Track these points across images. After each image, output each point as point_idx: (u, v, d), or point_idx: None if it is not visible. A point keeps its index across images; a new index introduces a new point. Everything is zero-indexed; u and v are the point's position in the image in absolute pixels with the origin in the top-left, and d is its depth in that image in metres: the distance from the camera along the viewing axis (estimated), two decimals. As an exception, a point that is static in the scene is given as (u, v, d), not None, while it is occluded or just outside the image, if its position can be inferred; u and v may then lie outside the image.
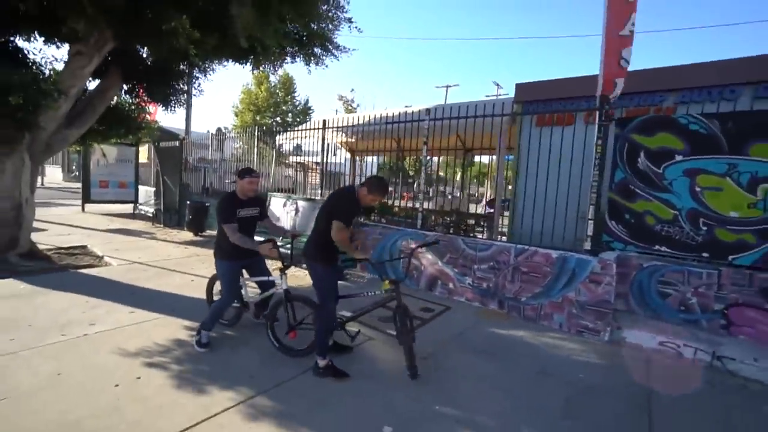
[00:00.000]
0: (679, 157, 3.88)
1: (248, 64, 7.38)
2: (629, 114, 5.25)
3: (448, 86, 27.24)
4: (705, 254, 3.75)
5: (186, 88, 7.32)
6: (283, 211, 6.99)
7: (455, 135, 7.63)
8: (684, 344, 3.40)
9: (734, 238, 3.62)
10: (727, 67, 4.67)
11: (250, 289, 3.47)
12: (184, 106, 7.84)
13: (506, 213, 6.66)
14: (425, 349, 3.18)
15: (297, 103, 27.35)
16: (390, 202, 7.26)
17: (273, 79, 26.35)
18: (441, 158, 12.43)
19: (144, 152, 11.49)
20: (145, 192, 10.88)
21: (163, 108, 6.76)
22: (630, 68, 4.25)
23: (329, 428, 2.21)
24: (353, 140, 8.88)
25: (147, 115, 7.26)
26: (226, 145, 9.97)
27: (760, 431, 2.46)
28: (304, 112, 27.07)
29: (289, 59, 8.55)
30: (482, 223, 6.25)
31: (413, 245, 5.13)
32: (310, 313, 3.03)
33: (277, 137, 9.34)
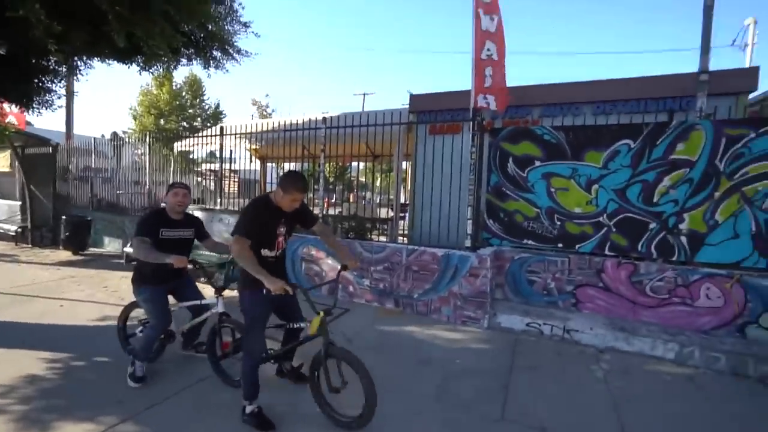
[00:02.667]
0: (537, 163, 4.52)
1: (134, 64, 6.79)
2: (505, 125, 5.93)
3: (365, 94, 27.88)
4: (560, 245, 4.41)
5: (54, 87, 6.44)
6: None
7: (365, 142, 7.91)
8: (544, 323, 3.95)
9: (579, 230, 4.32)
10: (574, 88, 5.59)
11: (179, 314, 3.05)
12: (55, 107, 6.89)
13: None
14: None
15: (206, 107, 25.65)
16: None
17: (178, 80, 24.40)
18: (363, 165, 12.68)
19: (4, 159, 9.74)
20: (8, 207, 9.25)
21: (21, 109, 5.87)
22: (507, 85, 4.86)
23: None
24: (259, 147, 8.63)
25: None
26: (125, 151, 8.96)
27: (584, 383, 2.98)
28: (215, 117, 25.48)
29: (185, 61, 8.04)
30: (384, 227, 6.54)
31: (313, 252, 5.18)
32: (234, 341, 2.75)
33: (178, 143, 8.70)
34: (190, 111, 24.88)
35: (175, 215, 2.77)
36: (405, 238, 6.71)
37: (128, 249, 6.21)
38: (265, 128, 7.27)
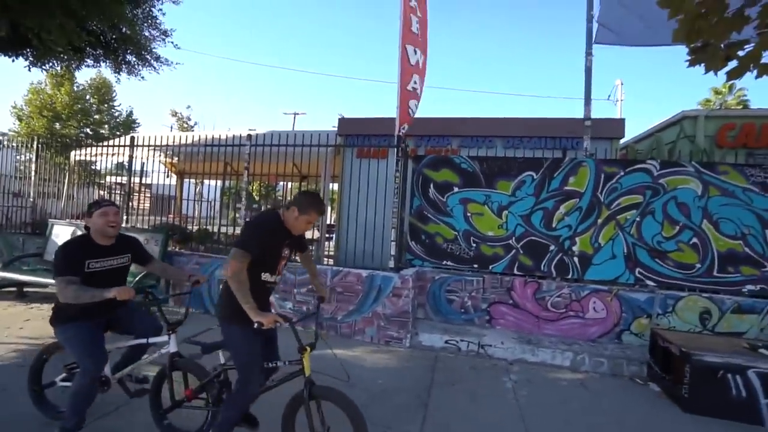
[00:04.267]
0: (456, 189, 4.88)
1: (22, 58, 5.95)
2: (428, 152, 6.34)
3: (295, 113, 27.63)
4: (475, 265, 4.75)
5: None
6: (71, 242, 5.68)
7: (292, 162, 7.80)
8: (461, 339, 4.17)
9: (492, 252, 4.72)
10: (488, 123, 6.23)
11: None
12: None
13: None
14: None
15: (116, 114, 23.18)
16: (212, 228, 6.77)
17: (82, 81, 21.78)
18: (291, 184, 12.38)
19: None
20: None
21: None
22: (429, 115, 5.22)
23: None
24: (176, 161, 8.02)
25: None
26: (2, 156, 7.59)
27: (496, 394, 3.19)
28: (127, 126, 23.11)
29: (90, 62, 7.27)
30: (310, 248, 6.43)
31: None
32: (200, 386, 2.27)
33: (77, 152, 7.67)
34: (96, 117, 22.25)
35: (105, 240, 2.24)
36: (331, 260, 6.66)
37: (4, 274, 5.22)
38: (183, 141, 6.79)
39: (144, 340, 2.31)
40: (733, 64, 2.39)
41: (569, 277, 4.47)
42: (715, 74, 2.46)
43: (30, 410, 2.49)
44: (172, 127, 25.43)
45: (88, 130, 21.85)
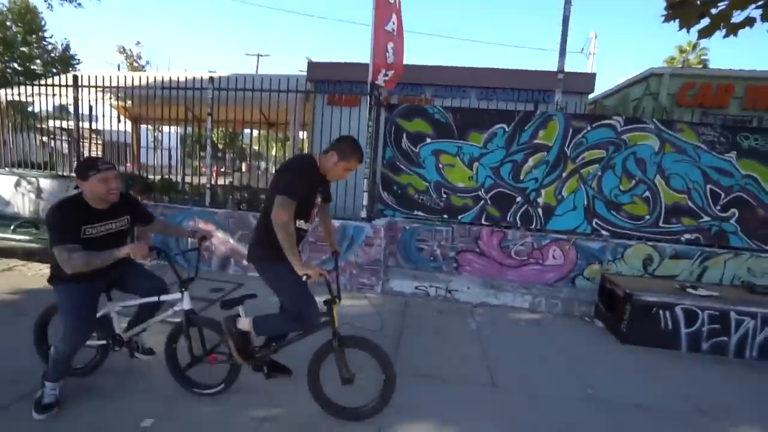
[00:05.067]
0: (428, 140, 4.86)
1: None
2: (401, 101, 6.20)
3: (259, 55, 25.70)
4: (445, 216, 4.90)
5: None
6: (15, 193, 5.25)
7: (258, 108, 7.36)
8: (430, 285, 4.41)
9: (461, 203, 4.85)
10: (462, 73, 6.10)
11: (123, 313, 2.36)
12: None
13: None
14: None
15: (49, 47, 20.49)
16: (175, 178, 6.45)
17: None
18: (257, 132, 11.78)
19: None
20: None
21: None
22: (404, 62, 4.99)
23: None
24: (129, 104, 7.35)
25: None
26: None
27: (461, 334, 3.47)
28: (64, 62, 20.59)
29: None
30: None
31: (202, 225, 4.77)
32: (220, 341, 2.27)
33: (5, 92, 6.81)
34: (23, 50, 19.59)
35: (102, 204, 2.01)
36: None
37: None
38: (137, 83, 6.16)
39: (155, 298, 2.22)
40: (705, 22, 2.44)
41: (533, 227, 4.73)
42: (688, 31, 2.51)
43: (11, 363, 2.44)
44: (119, 66, 22.96)
45: (15, 65, 19.33)
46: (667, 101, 5.62)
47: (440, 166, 4.85)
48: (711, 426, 2.41)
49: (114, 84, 5.40)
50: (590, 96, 6.31)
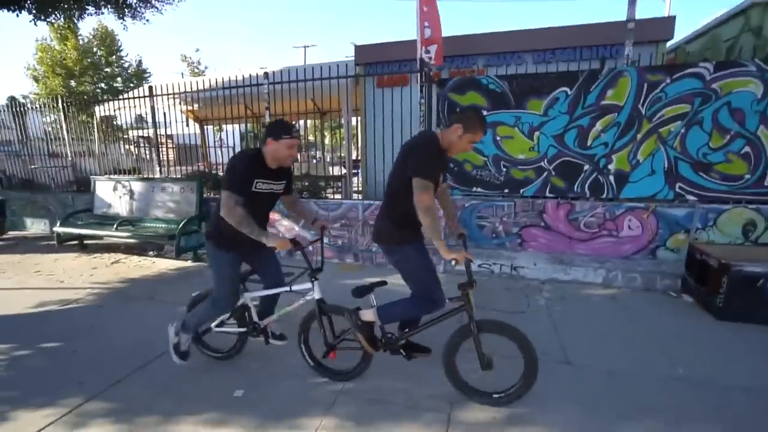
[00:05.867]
0: (484, 112, 4.65)
1: (25, 11, 5.79)
2: (452, 75, 5.97)
3: (306, 46, 26.19)
4: (506, 190, 4.70)
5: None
6: (114, 196, 6.01)
7: (311, 99, 7.57)
8: (494, 263, 4.30)
9: (522, 176, 4.62)
10: (515, 37, 5.69)
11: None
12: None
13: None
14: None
15: (126, 64, 22.77)
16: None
17: (85, 33, 21.21)
18: (309, 122, 12.19)
19: None
20: None
21: None
22: (450, 34, 4.79)
23: (175, 407, 2.19)
24: (196, 108, 7.97)
25: None
26: (30, 119, 7.79)
27: (530, 311, 3.36)
28: (139, 76, 22.81)
29: (91, 9, 7.00)
30: (338, 184, 6.52)
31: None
32: (349, 328, 2.34)
33: (99, 108, 7.74)
34: (107, 70, 22.01)
35: (274, 164, 2.20)
36: (359, 195, 6.75)
37: (58, 229, 5.66)
38: (201, 87, 6.64)
39: (286, 288, 2.38)
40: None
41: (603, 196, 4.37)
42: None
43: (116, 343, 2.89)
44: (183, 74, 24.88)
45: (102, 84, 21.77)
46: (771, 37, 4.73)
47: (498, 138, 4.64)
48: (835, 410, 2.11)
49: (182, 90, 5.88)
50: (669, 44, 5.55)
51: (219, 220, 2.13)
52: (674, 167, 4.14)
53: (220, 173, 6.62)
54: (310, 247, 4.47)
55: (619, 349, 2.75)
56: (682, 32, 6.61)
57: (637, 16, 4.60)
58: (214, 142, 8.86)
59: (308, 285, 2.30)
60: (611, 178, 4.33)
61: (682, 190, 4.15)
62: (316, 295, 2.27)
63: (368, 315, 2.25)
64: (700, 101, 4.00)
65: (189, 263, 5.00)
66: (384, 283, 2.38)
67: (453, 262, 1.88)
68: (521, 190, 4.63)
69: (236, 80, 6.21)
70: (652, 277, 3.88)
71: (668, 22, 5.08)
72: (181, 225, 4.90)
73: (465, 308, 2.06)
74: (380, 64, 6.34)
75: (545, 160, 4.49)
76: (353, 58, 6.78)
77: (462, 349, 2.16)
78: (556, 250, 4.48)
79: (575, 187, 4.44)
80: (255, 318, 2.50)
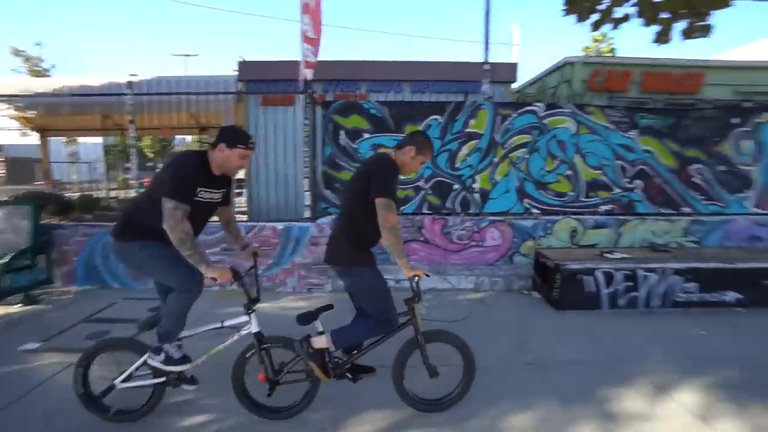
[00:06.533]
0: (366, 135, 4.92)
1: None
2: (336, 98, 6.19)
3: (186, 55, 24.15)
4: (389, 208, 5.00)
5: None
6: None
7: (188, 112, 6.94)
8: (380, 278, 4.49)
9: (403, 194, 4.98)
10: (396, 67, 6.23)
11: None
12: None
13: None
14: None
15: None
16: (97, 194, 5.93)
17: None
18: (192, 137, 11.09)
19: None
20: None
21: None
22: (337, 58, 4.98)
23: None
24: (33, 114, 6.59)
25: None
26: None
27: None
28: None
29: None
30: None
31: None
32: (293, 358, 2.18)
33: None
34: None
35: (218, 172, 2.00)
36: (245, 216, 6.40)
37: None
38: (43, 90, 5.50)
39: (218, 324, 2.11)
40: (596, 16, 2.73)
41: (471, 211, 4.99)
42: (582, 24, 2.79)
43: None
44: (16, 71, 20.28)
45: None
46: (580, 87, 6.19)
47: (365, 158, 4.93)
48: (628, 370, 2.75)
49: (12, 92, 4.80)
50: (515, 85, 6.74)
51: (130, 215, 2.01)
52: (522, 186, 4.98)
53: (69, 194, 5.54)
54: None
55: (487, 345, 3.12)
56: (529, 76, 8.11)
57: (496, 60, 5.50)
58: (63, 156, 7.44)
59: (243, 318, 2.11)
60: (476, 195, 4.98)
61: (529, 204, 5.00)
62: (254, 328, 2.10)
63: (320, 341, 2.13)
64: (538, 133, 4.93)
65: (17, 308, 4.01)
66: (330, 307, 2.30)
67: (415, 278, 2.00)
68: (402, 208, 4.99)
69: (93, 87, 5.36)
70: (511, 279, 4.54)
71: (512, 68, 6.18)
72: (4, 261, 3.90)
73: (411, 322, 2.15)
74: (266, 82, 6.22)
75: (422, 179, 4.95)
76: (237, 73, 6.52)
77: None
78: (434, 262, 4.91)
79: (448, 203, 4.98)
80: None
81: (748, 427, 2.17)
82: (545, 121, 4.91)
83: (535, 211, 4.98)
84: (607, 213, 5.03)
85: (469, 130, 4.91)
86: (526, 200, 5.00)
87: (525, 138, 4.93)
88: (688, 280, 3.91)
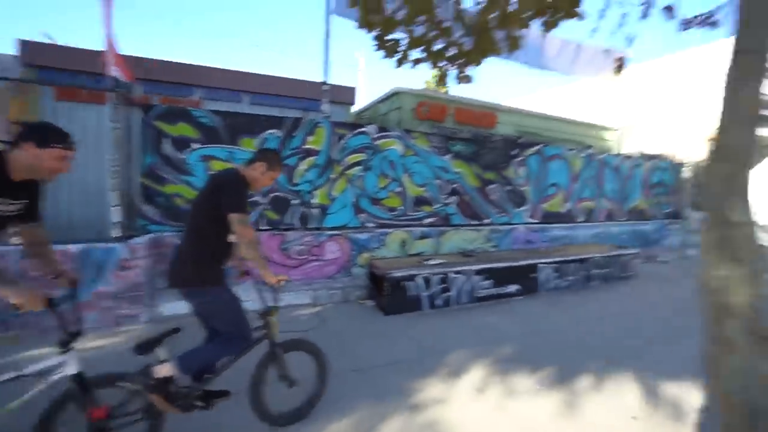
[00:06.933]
0: (196, 145, 4.52)
1: None
2: (165, 101, 5.53)
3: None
4: (224, 224, 4.67)
5: None
6: None
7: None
8: (211, 300, 4.11)
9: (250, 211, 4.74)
10: (234, 76, 5.95)
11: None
12: None
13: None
14: None
15: None
16: None
17: None
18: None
19: None
20: None
21: None
22: (168, 58, 4.39)
23: None
24: None
25: None
26: None
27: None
28: None
29: None
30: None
31: None
32: (128, 399, 1.83)
33: None
34: None
35: (20, 176, 1.56)
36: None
37: None
38: None
39: (11, 374, 1.56)
40: (399, 55, 3.16)
41: (310, 226, 5.08)
42: (390, 60, 3.18)
43: None
44: None
45: None
46: (408, 115, 7.09)
47: (212, 173, 4.58)
48: (436, 362, 3.20)
49: None
50: (355, 108, 7.25)
51: None
52: (358, 202, 5.34)
53: None
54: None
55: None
56: (370, 99, 8.79)
57: (341, 82, 5.78)
58: None
59: (54, 360, 1.63)
60: (315, 210, 5.10)
61: (364, 219, 5.39)
62: (72, 369, 1.66)
63: (165, 370, 1.90)
64: (371, 153, 5.38)
65: None
66: (177, 330, 1.99)
67: (282, 283, 2.06)
68: (240, 224, 4.73)
69: None
70: (349, 291, 4.77)
71: (351, 91, 6.65)
72: None
73: (267, 336, 2.16)
74: (63, 71, 5.10)
75: (260, 194, 4.80)
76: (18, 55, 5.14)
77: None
78: (274, 278, 4.79)
79: (287, 218, 4.96)
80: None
81: (511, 390, 2.78)
82: (377, 142, 5.41)
83: (370, 224, 5.40)
84: (430, 225, 5.83)
85: (307, 146, 5.03)
86: (362, 215, 5.38)
87: (360, 156, 5.32)
88: (485, 279, 4.83)
